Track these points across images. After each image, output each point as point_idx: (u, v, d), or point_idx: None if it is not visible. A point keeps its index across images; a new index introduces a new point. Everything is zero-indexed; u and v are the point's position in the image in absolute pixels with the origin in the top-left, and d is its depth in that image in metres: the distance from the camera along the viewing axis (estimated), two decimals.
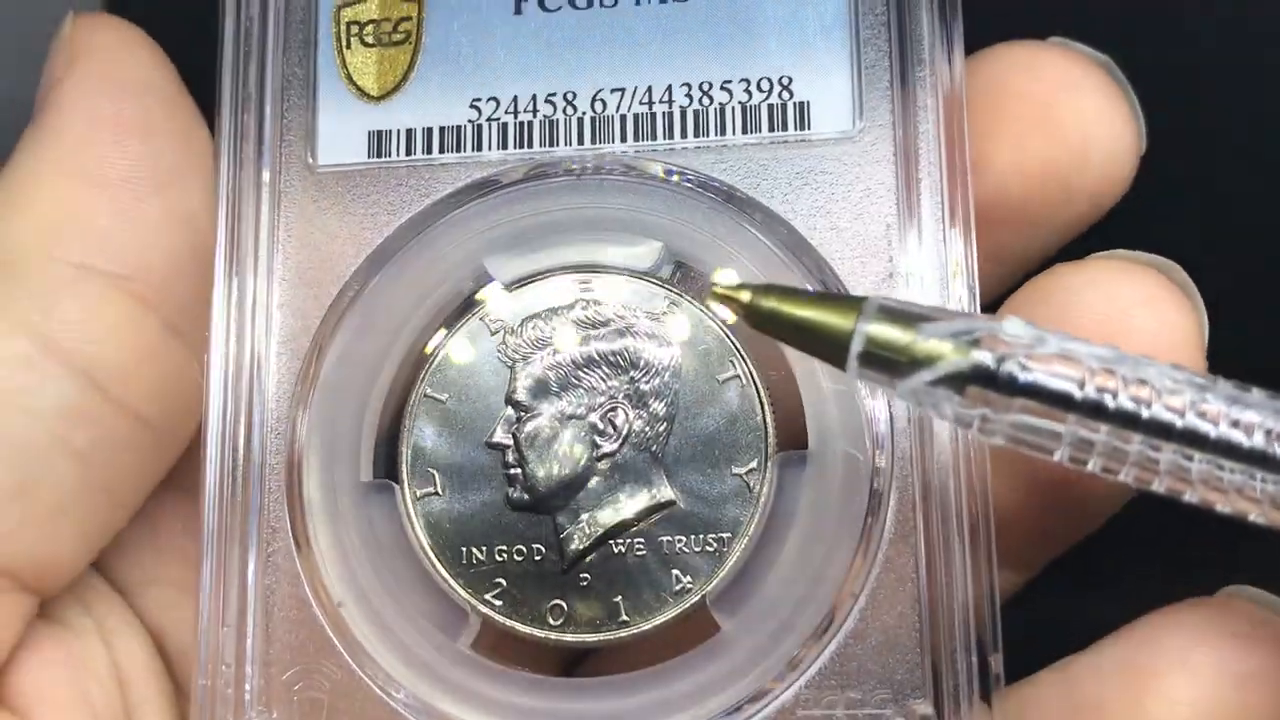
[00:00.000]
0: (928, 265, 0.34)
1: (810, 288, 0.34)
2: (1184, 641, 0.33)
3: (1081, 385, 0.29)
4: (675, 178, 0.35)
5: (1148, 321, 0.34)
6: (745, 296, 0.30)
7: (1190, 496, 0.30)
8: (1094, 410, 0.29)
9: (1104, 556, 0.38)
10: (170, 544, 0.36)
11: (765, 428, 0.34)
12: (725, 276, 0.34)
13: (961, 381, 0.29)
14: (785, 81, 0.35)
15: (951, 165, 0.34)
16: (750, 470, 0.34)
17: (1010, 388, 0.29)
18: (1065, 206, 0.35)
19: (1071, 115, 0.35)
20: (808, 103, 0.35)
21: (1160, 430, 0.29)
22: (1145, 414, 0.29)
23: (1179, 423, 0.29)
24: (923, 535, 0.33)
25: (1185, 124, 0.38)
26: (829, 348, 0.30)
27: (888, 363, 0.29)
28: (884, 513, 0.34)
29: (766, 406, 0.34)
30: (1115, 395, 0.29)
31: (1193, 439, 0.29)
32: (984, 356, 0.29)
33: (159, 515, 0.36)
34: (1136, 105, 0.36)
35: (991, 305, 0.35)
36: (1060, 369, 0.29)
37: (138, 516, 0.36)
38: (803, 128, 0.35)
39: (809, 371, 0.34)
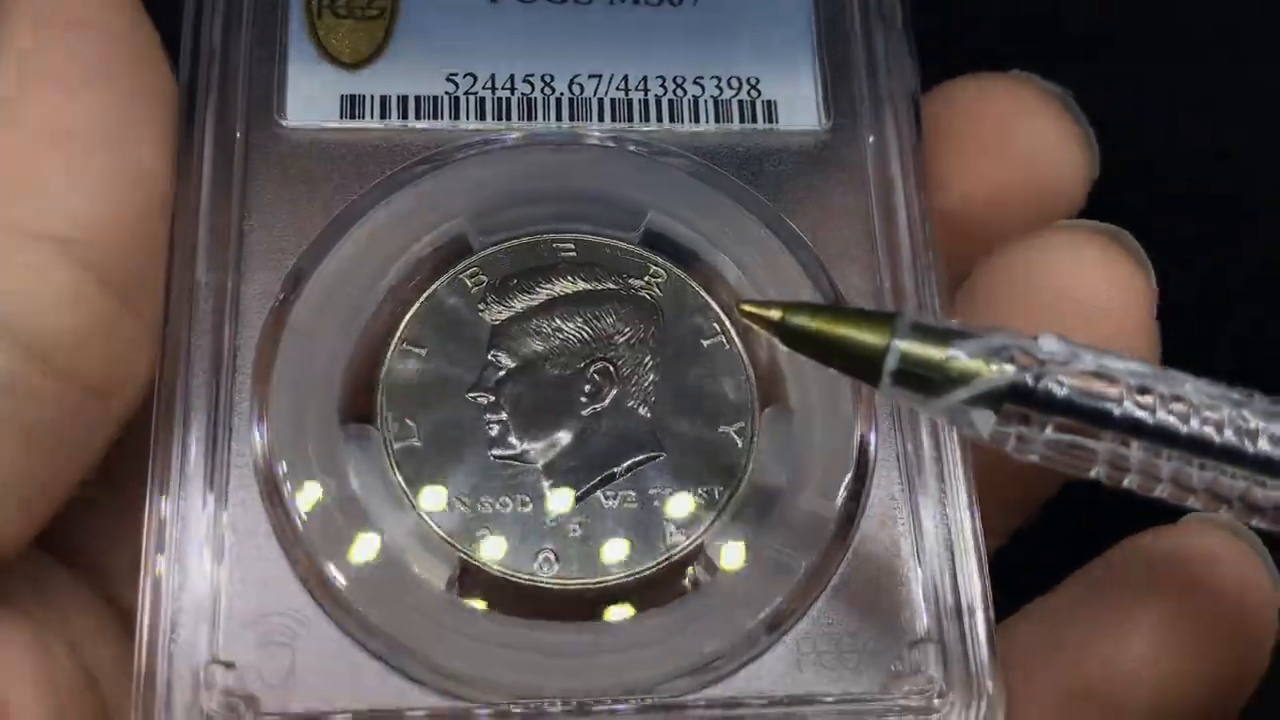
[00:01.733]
0: (901, 252, 0.35)
1: (827, 297, 0.34)
2: (1156, 565, 0.33)
3: (1119, 401, 0.28)
4: (653, 149, 0.35)
5: (1101, 283, 0.34)
6: (775, 314, 0.29)
7: (1226, 514, 0.29)
8: (1133, 427, 0.28)
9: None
10: None
11: (750, 386, 0.34)
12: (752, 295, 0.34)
13: (998, 399, 0.28)
14: (753, 81, 0.36)
15: (914, 156, 0.35)
16: (738, 425, 0.34)
17: (1048, 405, 0.28)
18: (1016, 227, 0.36)
19: (1022, 141, 0.36)
20: (775, 102, 0.36)
21: (1200, 446, 0.28)
22: (1184, 430, 0.28)
23: (1218, 439, 0.28)
24: (913, 487, 0.33)
25: (1140, 151, 0.39)
26: (862, 366, 0.28)
27: (922, 380, 0.28)
28: (870, 463, 0.34)
29: (749, 366, 0.34)
30: (1154, 411, 0.28)
31: (1232, 455, 0.28)
32: (1021, 374, 0.28)
33: (141, 502, 0.34)
34: (1090, 133, 0.36)
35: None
36: (1097, 386, 0.28)
37: (120, 505, 0.34)
38: (771, 122, 0.36)
39: None
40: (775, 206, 0.35)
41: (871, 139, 0.36)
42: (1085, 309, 0.34)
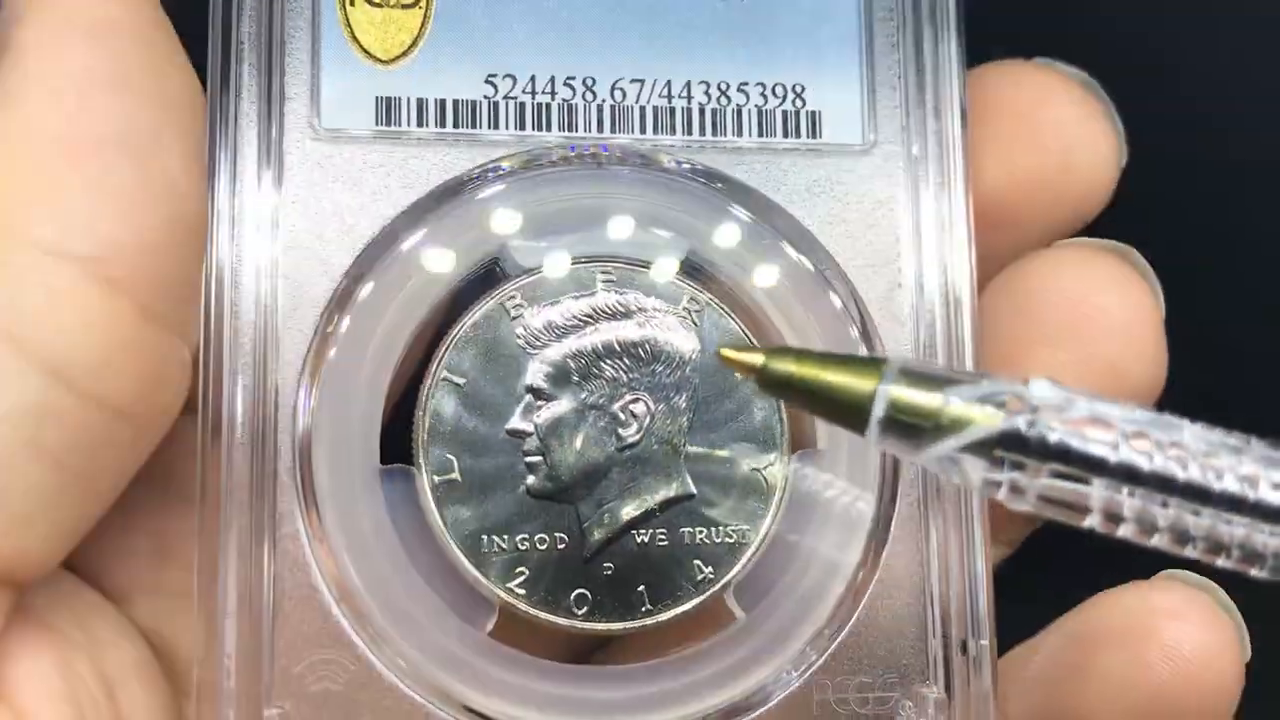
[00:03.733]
0: (932, 277, 0.34)
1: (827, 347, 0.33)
2: (1123, 622, 0.33)
3: (1115, 448, 0.27)
4: (693, 173, 0.34)
5: (1110, 301, 0.34)
6: (758, 361, 0.27)
7: (1224, 562, 0.27)
8: (1129, 473, 0.26)
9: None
10: (173, 552, 0.34)
11: (781, 425, 0.33)
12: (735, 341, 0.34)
13: (990, 446, 0.27)
14: (799, 89, 0.34)
15: (959, 180, 0.34)
16: (768, 465, 0.33)
17: (1042, 452, 0.26)
18: (1050, 213, 0.36)
19: (1053, 127, 0.36)
20: (819, 112, 0.34)
21: (1198, 493, 0.27)
22: (1182, 476, 0.27)
23: (1218, 485, 0.27)
24: (930, 527, 0.33)
25: (1167, 137, 0.38)
26: (848, 413, 0.27)
27: (911, 428, 0.27)
28: (893, 507, 0.33)
29: (782, 404, 0.33)
30: (1150, 457, 0.27)
31: (1232, 502, 0.26)
32: (1015, 420, 0.27)
33: (162, 523, 0.34)
34: (1116, 118, 0.36)
35: None
36: (1092, 431, 0.27)
37: (140, 525, 0.34)
38: (815, 136, 0.34)
39: None
40: (813, 231, 0.34)
41: (915, 150, 0.34)
42: (1094, 326, 0.34)
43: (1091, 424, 0.27)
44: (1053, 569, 0.37)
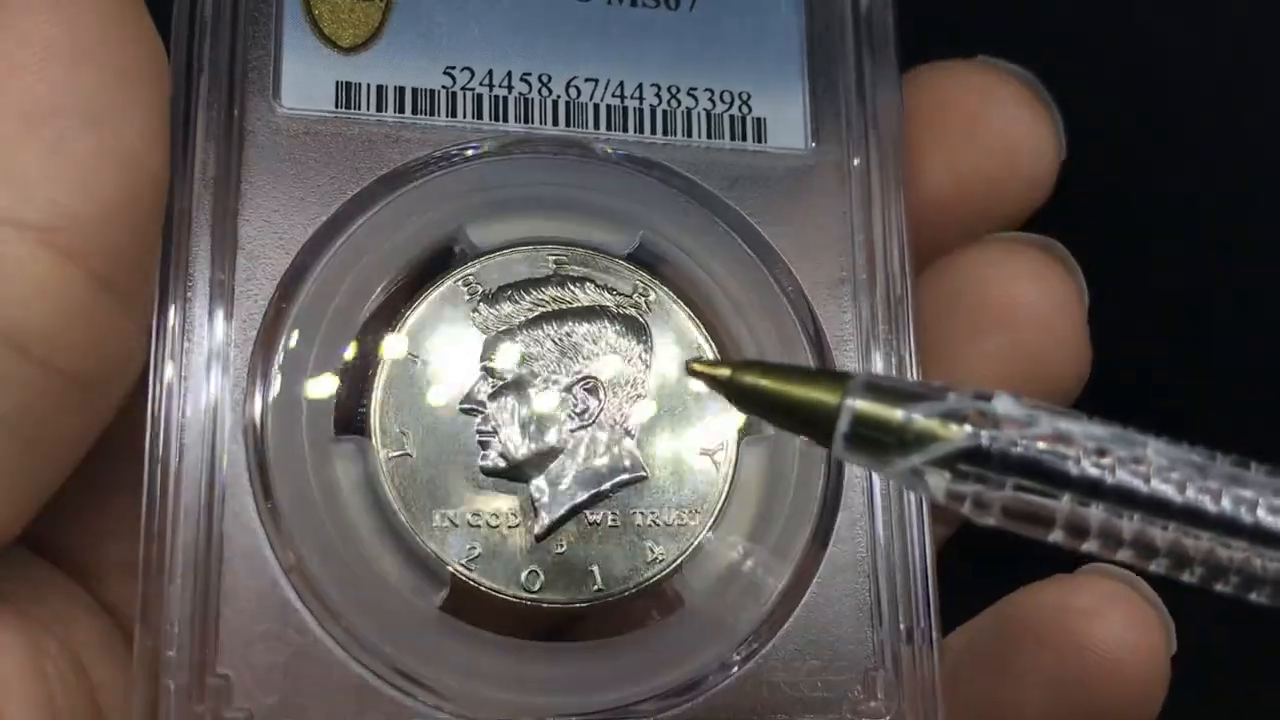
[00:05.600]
0: (872, 272, 0.35)
1: (793, 358, 0.33)
2: (1047, 620, 0.33)
3: (1077, 461, 0.26)
4: (647, 166, 0.35)
5: (1032, 293, 0.35)
6: (724, 373, 0.27)
7: (1189, 577, 0.27)
8: (1091, 487, 0.26)
9: None
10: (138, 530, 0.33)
11: (731, 411, 0.33)
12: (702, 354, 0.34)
13: (953, 461, 0.26)
14: (744, 97, 0.35)
15: (896, 184, 0.35)
16: (718, 450, 0.33)
17: (1004, 466, 0.26)
18: (994, 209, 0.37)
19: (997, 125, 0.36)
20: (764, 119, 0.35)
21: (1159, 508, 0.26)
22: (1144, 490, 0.26)
23: (1178, 500, 0.26)
24: (876, 512, 0.34)
25: (1105, 134, 0.39)
26: (813, 427, 0.27)
27: (875, 443, 0.27)
28: (840, 491, 0.34)
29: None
30: (1113, 471, 0.27)
31: (1193, 516, 0.26)
32: (976, 435, 0.26)
33: (131, 502, 0.32)
34: (1057, 115, 0.37)
35: None
36: (1054, 446, 0.27)
37: (109, 504, 0.33)
38: (760, 141, 0.35)
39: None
40: (760, 228, 0.35)
41: (856, 161, 0.35)
42: (1017, 318, 0.35)
43: (1053, 439, 0.27)
44: (997, 552, 0.37)
